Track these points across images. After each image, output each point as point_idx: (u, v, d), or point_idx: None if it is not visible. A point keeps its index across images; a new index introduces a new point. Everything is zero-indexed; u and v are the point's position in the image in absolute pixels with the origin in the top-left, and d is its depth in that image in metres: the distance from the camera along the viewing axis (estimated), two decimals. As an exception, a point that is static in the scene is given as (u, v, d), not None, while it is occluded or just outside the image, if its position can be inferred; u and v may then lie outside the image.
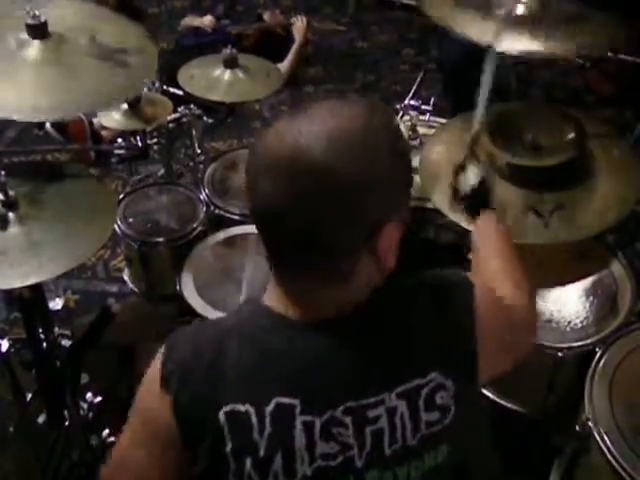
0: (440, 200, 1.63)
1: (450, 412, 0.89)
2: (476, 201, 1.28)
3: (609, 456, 1.31)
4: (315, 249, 0.83)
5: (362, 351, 0.88)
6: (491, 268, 1.14)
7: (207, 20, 3.82)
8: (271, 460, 0.84)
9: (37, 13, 1.37)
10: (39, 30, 1.38)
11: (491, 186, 1.31)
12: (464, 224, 1.35)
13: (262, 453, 0.84)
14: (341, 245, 0.84)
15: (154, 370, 0.91)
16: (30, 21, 1.36)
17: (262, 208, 0.84)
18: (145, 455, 0.92)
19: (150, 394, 0.91)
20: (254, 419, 0.84)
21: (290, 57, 3.78)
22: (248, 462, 0.84)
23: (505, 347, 1.00)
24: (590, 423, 1.37)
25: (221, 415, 0.85)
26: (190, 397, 0.87)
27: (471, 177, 1.29)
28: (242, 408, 0.85)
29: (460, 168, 1.33)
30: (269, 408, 0.84)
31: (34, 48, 1.37)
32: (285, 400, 0.85)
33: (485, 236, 1.23)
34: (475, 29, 1.47)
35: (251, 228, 2.04)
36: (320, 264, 0.85)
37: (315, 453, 0.85)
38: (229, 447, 0.85)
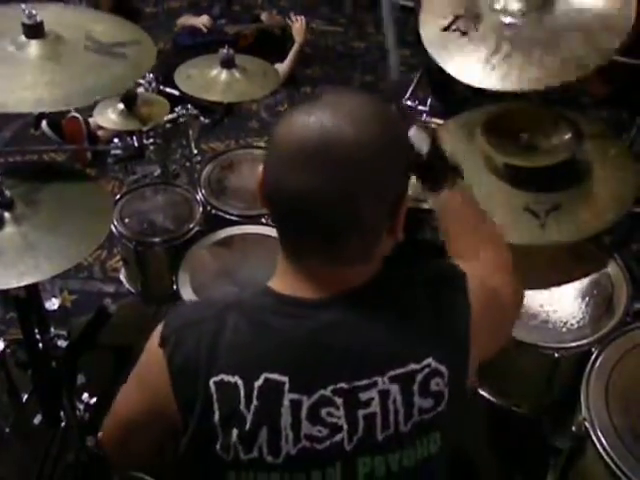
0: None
1: (444, 399, 0.90)
2: (434, 171, 1.14)
3: (605, 457, 1.31)
4: (350, 230, 0.85)
5: (357, 332, 0.89)
6: (466, 247, 1.12)
7: (204, 20, 3.82)
8: (256, 434, 0.86)
9: (33, 12, 1.37)
10: (36, 30, 1.38)
11: (444, 151, 1.17)
12: (428, 203, 1.20)
13: (248, 426, 0.86)
14: (372, 221, 0.87)
15: (156, 330, 0.95)
16: (27, 21, 1.37)
17: (294, 195, 0.85)
18: (137, 416, 0.97)
19: (150, 351, 0.94)
20: (242, 392, 0.86)
21: (290, 58, 3.78)
22: (234, 433, 0.86)
23: (494, 330, 1.02)
24: (586, 423, 1.37)
25: (211, 383, 0.87)
26: (183, 359, 0.89)
27: (421, 145, 1.14)
28: (231, 380, 0.86)
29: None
30: (258, 383, 0.86)
31: (32, 48, 1.38)
32: (274, 376, 0.86)
33: (451, 211, 1.15)
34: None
35: (248, 228, 2.05)
36: (350, 245, 0.87)
37: (300, 433, 0.86)
38: (217, 416, 0.87)
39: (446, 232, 1.16)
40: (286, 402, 0.86)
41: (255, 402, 0.86)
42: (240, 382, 0.86)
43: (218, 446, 0.87)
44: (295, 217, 0.87)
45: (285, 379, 0.86)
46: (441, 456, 0.93)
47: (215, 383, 0.87)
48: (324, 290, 0.89)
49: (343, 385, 0.86)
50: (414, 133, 1.13)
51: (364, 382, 0.87)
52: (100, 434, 1.07)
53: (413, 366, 0.88)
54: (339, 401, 0.86)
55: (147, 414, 0.96)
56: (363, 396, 0.87)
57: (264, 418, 0.86)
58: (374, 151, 0.83)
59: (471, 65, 1.55)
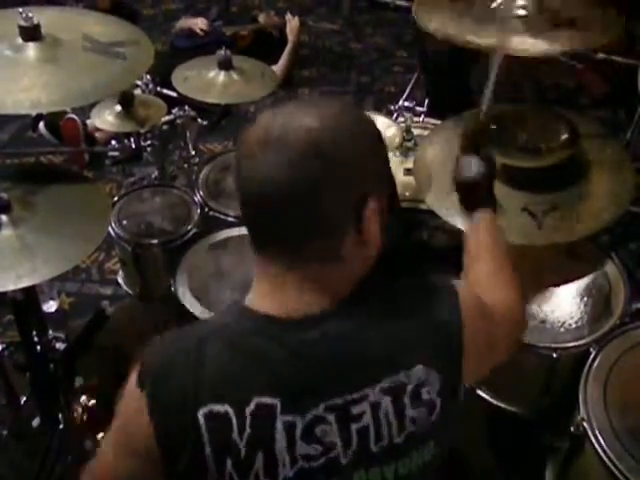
0: (434, 201, 1.63)
1: (436, 408, 0.90)
2: (474, 193, 1.25)
3: (603, 456, 1.31)
4: (309, 222, 0.85)
5: (344, 347, 0.87)
6: (480, 268, 1.15)
7: (200, 22, 3.82)
8: (252, 461, 0.84)
9: (30, 15, 1.37)
10: (33, 32, 1.38)
11: (492, 180, 1.28)
12: (458, 219, 1.32)
13: (242, 454, 0.84)
14: (330, 215, 0.86)
15: (133, 373, 0.90)
16: (23, 23, 1.37)
17: (255, 182, 0.85)
18: (126, 462, 0.91)
19: (128, 395, 0.90)
20: (234, 420, 0.84)
21: (284, 58, 3.78)
22: (229, 462, 0.84)
23: (489, 348, 1.01)
24: (584, 423, 1.37)
25: (200, 416, 0.84)
26: (166, 398, 0.86)
27: (472, 166, 1.26)
28: (221, 409, 0.84)
29: (464, 155, 1.31)
30: (249, 408, 0.84)
31: (30, 50, 1.38)
32: (266, 400, 0.84)
33: (478, 234, 1.21)
34: (476, 35, 1.46)
35: (245, 230, 2.04)
36: (313, 240, 0.86)
37: (296, 454, 0.84)
38: (208, 449, 0.84)
39: (466, 251, 1.20)
40: (279, 425, 0.84)
41: (248, 429, 0.84)
42: (231, 410, 0.84)
43: (211, 478, 0.85)
44: (254, 207, 0.88)
45: (276, 401, 0.84)
46: (435, 461, 0.92)
47: (204, 415, 0.84)
48: (305, 303, 0.87)
49: (335, 401, 0.85)
50: (469, 155, 1.25)
51: (355, 395, 0.86)
52: None
53: (403, 377, 0.87)
54: (331, 418, 0.85)
55: (127, 463, 0.91)
56: (355, 410, 0.86)
57: (258, 444, 0.84)
58: (336, 143, 0.84)
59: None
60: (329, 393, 0.85)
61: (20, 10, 1.37)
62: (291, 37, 3.84)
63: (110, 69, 1.42)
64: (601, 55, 2.65)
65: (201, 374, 0.86)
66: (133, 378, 0.90)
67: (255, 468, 0.84)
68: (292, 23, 3.89)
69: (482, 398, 1.75)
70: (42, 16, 1.42)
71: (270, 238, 0.89)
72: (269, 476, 0.84)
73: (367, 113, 0.95)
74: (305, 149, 0.83)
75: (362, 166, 0.87)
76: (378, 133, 0.93)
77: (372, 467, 0.88)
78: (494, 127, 1.62)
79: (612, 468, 1.29)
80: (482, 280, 1.12)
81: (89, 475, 0.98)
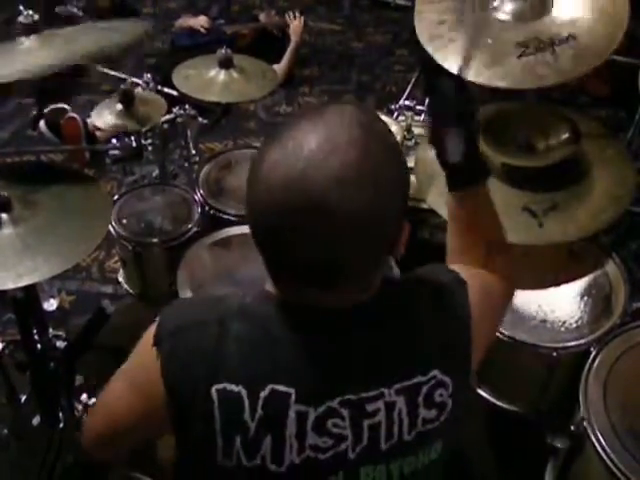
0: (435, 200, 1.63)
1: (447, 409, 0.90)
2: (464, 174, 1.11)
3: (604, 456, 1.32)
4: (344, 274, 0.83)
5: (364, 345, 0.88)
6: (467, 247, 1.11)
7: (201, 21, 3.81)
8: (260, 443, 0.85)
9: (30, 12, 1.37)
10: (33, 29, 1.38)
11: (480, 154, 1.14)
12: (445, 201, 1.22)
13: (251, 434, 0.84)
14: (369, 269, 0.86)
15: (150, 331, 0.91)
16: (23, 20, 1.37)
17: (285, 256, 0.83)
18: (124, 415, 0.94)
19: (143, 352, 0.91)
20: (246, 402, 0.84)
21: (287, 57, 3.78)
22: (237, 441, 0.85)
23: (490, 330, 1.03)
24: (585, 423, 1.37)
25: (213, 391, 0.84)
26: (181, 365, 0.87)
27: (458, 149, 1.10)
28: (235, 389, 0.85)
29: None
30: (263, 393, 0.84)
31: (30, 41, 1.39)
32: (281, 387, 0.84)
33: (466, 210, 1.13)
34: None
35: (246, 228, 2.04)
36: (344, 285, 0.85)
37: (305, 443, 0.85)
38: (219, 424, 0.85)
39: (453, 230, 1.16)
40: (292, 414, 0.84)
41: (260, 412, 0.84)
42: (244, 392, 0.84)
43: (219, 452, 0.85)
44: (282, 264, 0.85)
45: (291, 390, 0.84)
46: (441, 461, 0.93)
47: (217, 391, 0.84)
48: (326, 301, 0.87)
49: (350, 397, 0.86)
50: (452, 135, 1.07)
51: (371, 394, 0.86)
52: (83, 433, 1.03)
53: (420, 378, 0.88)
54: (345, 412, 0.85)
55: (136, 417, 0.93)
56: (369, 407, 0.86)
57: (268, 428, 0.84)
58: (362, 210, 0.79)
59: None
60: (344, 389, 0.86)
61: (21, 7, 1.38)
62: (294, 37, 3.83)
63: (111, 35, 1.45)
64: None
65: (220, 350, 0.86)
66: (149, 335, 0.90)
67: (262, 450, 0.85)
68: (295, 23, 3.88)
69: (482, 397, 1.75)
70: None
71: (294, 289, 0.87)
72: (275, 460, 0.85)
73: (381, 124, 0.87)
74: (335, 226, 0.78)
75: (394, 210, 0.84)
76: (400, 154, 0.88)
77: (379, 464, 0.88)
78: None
79: (612, 467, 1.30)
80: (471, 249, 1.10)
81: (98, 409, 1.02)
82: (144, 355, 0.90)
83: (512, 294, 1.13)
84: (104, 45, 1.41)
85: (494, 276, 1.06)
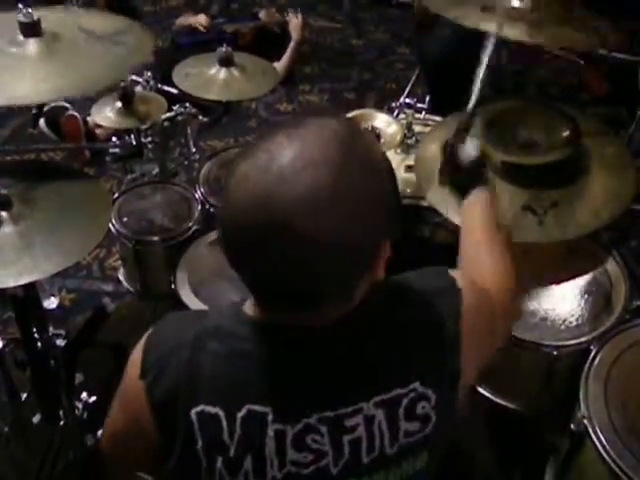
0: (435, 198, 1.63)
1: (431, 422, 0.89)
2: (470, 177, 1.26)
3: (604, 454, 1.31)
4: (318, 295, 0.81)
5: (341, 361, 0.86)
6: (475, 252, 1.15)
7: (201, 19, 3.81)
8: (241, 461, 0.85)
9: (30, 11, 1.37)
10: (33, 28, 1.38)
11: (485, 162, 1.30)
12: (453, 205, 1.30)
13: (232, 454, 0.85)
14: (343, 291, 0.83)
15: (136, 357, 0.92)
16: (23, 19, 1.36)
17: (254, 277, 0.82)
18: (126, 434, 0.96)
19: (131, 380, 0.92)
20: (224, 423, 0.85)
21: (287, 55, 3.77)
22: (219, 460, 0.85)
23: (485, 346, 0.99)
24: (585, 421, 1.37)
25: (192, 414, 0.85)
26: (164, 392, 0.88)
27: (471, 149, 1.28)
28: (212, 410, 0.85)
29: (456, 141, 1.31)
30: (240, 414, 0.84)
31: (31, 45, 1.38)
32: (257, 407, 0.84)
33: (471, 217, 1.21)
34: (475, 19, 1.46)
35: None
36: (321, 304, 0.83)
37: (285, 459, 0.85)
38: (200, 444, 0.85)
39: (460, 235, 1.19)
40: (270, 432, 0.84)
41: (238, 431, 0.84)
42: (222, 413, 0.84)
43: (203, 472, 0.86)
44: (251, 282, 0.83)
45: (268, 410, 0.84)
46: (427, 469, 0.92)
47: (197, 414, 0.85)
48: (303, 319, 0.85)
49: (328, 414, 0.85)
50: (467, 139, 1.24)
51: (350, 409, 0.85)
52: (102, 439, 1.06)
53: (399, 391, 0.87)
54: (324, 429, 0.85)
55: (132, 435, 0.95)
56: (348, 422, 0.85)
57: (248, 447, 0.84)
58: (333, 234, 0.75)
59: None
60: (321, 405, 0.85)
61: (20, 6, 1.37)
62: (295, 35, 3.83)
63: (114, 54, 1.42)
64: (602, 52, 2.65)
65: (196, 372, 0.86)
66: (136, 366, 0.91)
67: (244, 469, 0.85)
68: (295, 21, 3.87)
69: (482, 396, 1.75)
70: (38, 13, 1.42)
71: (271, 306, 0.86)
72: (257, 476, 0.85)
73: (366, 135, 0.85)
74: (303, 251, 0.75)
75: (373, 228, 0.80)
76: (385, 165, 0.84)
77: (363, 476, 0.88)
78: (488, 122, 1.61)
79: (612, 465, 1.29)
80: (472, 253, 1.13)
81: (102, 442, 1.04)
82: (132, 385, 0.92)
83: (516, 313, 1.15)
84: (112, 70, 1.40)
85: (496, 288, 1.04)
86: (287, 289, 0.79)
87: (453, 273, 0.97)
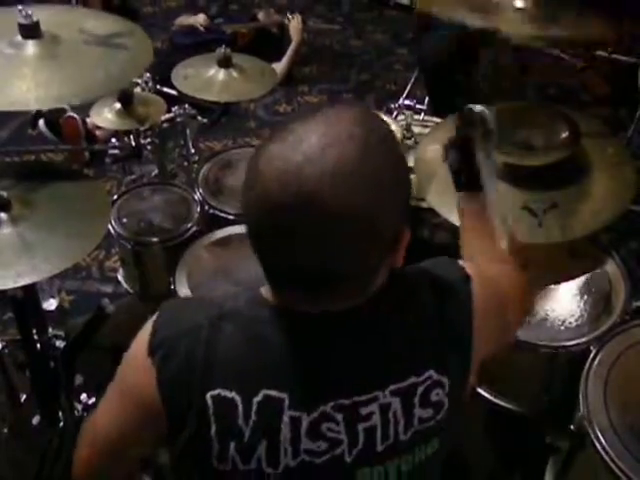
0: (435, 200, 1.63)
1: (443, 408, 0.90)
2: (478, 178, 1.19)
3: (604, 455, 1.31)
4: (340, 277, 0.81)
5: (357, 349, 0.87)
6: (480, 249, 1.14)
7: (201, 19, 3.81)
8: (255, 447, 0.84)
9: (29, 12, 1.36)
10: (32, 30, 1.38)
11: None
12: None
13: (246, 439, 0.84)
14: (362, 268, 0.83)
15: (143, 336, 0.90)
16: (23, 21, 1.36)
17: (278, 256, 0.81)
18: (121, 429, 0.92)
19: (136, 359, 0.90)
20: (240, 407, 0.84)
21: (287, 57, 3.77)
22: (232, 446, 0.85)
23: (496, 333, 1.00)
24: (585, 422, 1.37)
25: (208, 398, 0.84)
26: (175, 374, 0.86)
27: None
28: (229, 395, 0.84)
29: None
30: (256, 399, 0.84)
31: (31, 47, 1.38)
32: (273, 393, 0.84)
33: (475, 213, 1.19)
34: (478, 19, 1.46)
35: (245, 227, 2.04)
36: (341, 289, 0.84)
37: (299, 448, 0.85)
38: (213, 429, 0.85)
39: (464, 232, 1.19)
40: (286, 419, 0.84)
41: (254, 417, 0.84)
42: (238, 398, 0.84)
43: (215, 456, 0.85)
44: (274, 264, 0.83)
45: (284, 396, 0.84)
46: (438, 456, 0.93)
47: (212, 397, 0.84)
48: (321, 305, 0.86)
49: (343, 401, 0.85)
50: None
51: (364, 397, 0.86)
52: (74, 467, 0.99)
53: (414, 379, 0.87)
54: (339, 417, 0.85)
55: (130, 428, 0.92)
56: (364, 410, 0.86)
57: (263, 433, 0.84)
58: (358, 207, 0.77)
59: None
60: (337, 393, 0.85)
61: (20, 7, 1.37)
62: (295, 36, 3.82)
63: (116, 60, 1.41)
64: (602, 54, 2.65)
65: (213, 354, 0.85)
66: (143, 342, 0.89)
67: (257, 454, 0.85)
68: (294, 22, 3.87)
69: (483, 396, 1.75)
70: (39, 14, 1.42)
71: (285, 290, 0.86)
72: (271, 463, 0.85)
73: (383, 124, 0.86)
74: (330, 222, 0.76)
75: (393, 209, 0.82)
76: (401, 155, 0.87)
77: (376, 465, 0.88)
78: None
79: (612, 466, 1.29)
80: (479, 249, 1.14)
81: (90, 435, 0.99)
82: (137, 364, 0.89)
83: (528, 302, 1.14)
84: (112, 77, 1.39)
85: (508, 278, 1.05)
86: (309, 266, 0.80)
87: (463, 263, 0.99)
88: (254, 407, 0.84)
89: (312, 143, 0.77)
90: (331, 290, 0.83)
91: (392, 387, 0.86)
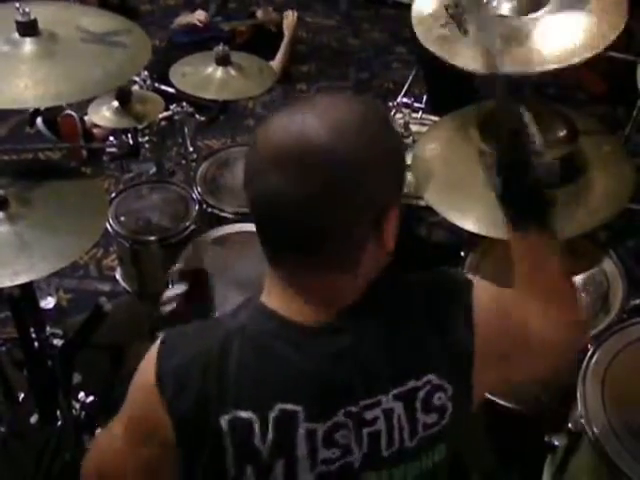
0: (432, 198, 1.63)
1: (447, 412, 0.89)
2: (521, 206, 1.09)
3: (601, 453, 1.32)
4: (325, 236, 0.83)
5: (360, 354, 0.87)
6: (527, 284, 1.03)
7: (200, 15, 3.80)
8: (272, 466, 0.84)
9: (27, 10, 1.36)
10: (30, 27, 1.37)
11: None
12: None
13: (264, 460, 0.84)
14: (347, 229, 0.84)
15: (148, 366, 0.88)
16: (20, 18, 1.36)
17: (269, 199, 0.83)
18: (141, 451, 0.90)
19: (144, 391, 0.89)
20: (256, 426, 0.83)
21: (280, 54, 3.76)
22: (249, 469, 0.84)
23: (510, 356, 0.94)
24: (582, 421, 1.37)
25: (223, 423, 0.83)
26: (188, 403, 0.85)
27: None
28: (244, 415, 0.84)
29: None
30: (273, 414, 0.84)
31: (28, 45, 1.37)
32: (289, 406, 0.84)
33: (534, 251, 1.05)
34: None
35: (244, 226, 2.04)
36: (328, 252, 0.84)
37: (317, 459, 0.85)
38: (230, 454, 0.84)
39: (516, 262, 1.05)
40: (302, 431, 0.84)
41: (270, 434, 0.83)
42: (254, 416, 0.83)
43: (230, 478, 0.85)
44: (267, 219, 0.85)
45: (299, 408, 0.84)
46: (443, 463, 0.93)
47: (228, 422, 0.83)
48: (321, 310, 0.87)
49: (352, 408, 0.85)
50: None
51: (369, 401, 0.86)
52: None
53: (414, 383, 0.87)
54: (350, 423, 0.86)
55: (135, 459, 0.91)
56: (368, 415, 0.86)
57: (280, 450, 0.84)
58: (351, 161, 0.81)
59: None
60: (347, 401, 0.86)
61: (17, 5, 1.36)
62: (287, 32, 3.83)
63: (114, 58, 1.41)
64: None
65: (224, 379, 0.85)
66: (149, 373, 0.87)
67: (275, 473, 0.84)
68: (289, 18, 3.88)
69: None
70: (36, 10, 1.41)
71: (277, 247, 0.87)
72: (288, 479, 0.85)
73: (384, 110, 0.94)
74: (323, 166, 0.80)
75: (383, 178, 0.85)
76: (398, 137, 0.92)
77: (382, 470, 0.88)
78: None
79: (610, 465, 1.30)
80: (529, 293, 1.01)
81: (93, 463, 0.98)
82: (145, 395, 0.88)
83: (560, 345, 1.00)
84: (110, 75, 1.39)
85: (526, 300, 0.98)
86: (295, 225, 0.83)
87: (469, 275, 0.98)
88: (271, 423, 0.83)
89: (316, 111, 0.83)
90: (322, 254, 0.84)
91: (394, 391, 0.87)
